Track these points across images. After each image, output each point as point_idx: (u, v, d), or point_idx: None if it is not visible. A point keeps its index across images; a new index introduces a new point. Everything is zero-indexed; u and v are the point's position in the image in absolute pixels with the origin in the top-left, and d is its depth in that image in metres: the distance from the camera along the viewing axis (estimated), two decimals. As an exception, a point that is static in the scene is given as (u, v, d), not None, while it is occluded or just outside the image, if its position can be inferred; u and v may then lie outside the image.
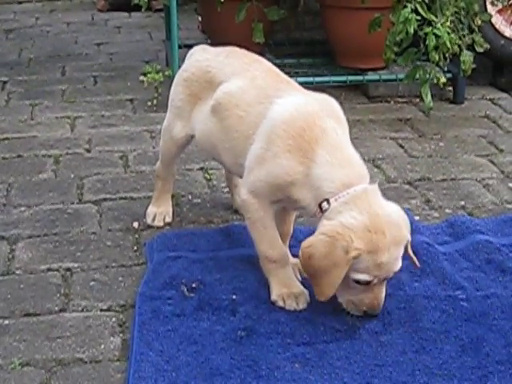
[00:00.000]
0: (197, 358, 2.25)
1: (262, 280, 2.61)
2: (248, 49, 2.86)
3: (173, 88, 2.91)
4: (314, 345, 2.31)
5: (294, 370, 2.20)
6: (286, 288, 2.52)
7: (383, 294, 2.41)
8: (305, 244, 2.35)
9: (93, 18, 6.78)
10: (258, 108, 2.53)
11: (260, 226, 2.52)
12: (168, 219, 3.06)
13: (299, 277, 2.63)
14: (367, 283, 2.34)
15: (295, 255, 2.70)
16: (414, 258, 2.47)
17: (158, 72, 4.43)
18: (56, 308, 2.55)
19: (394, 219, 2.34)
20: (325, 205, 2.36)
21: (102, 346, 2.36)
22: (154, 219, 3.06)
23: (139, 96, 4.56)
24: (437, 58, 3.88)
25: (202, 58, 2.84)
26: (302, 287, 2.54)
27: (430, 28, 3.85)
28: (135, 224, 3.08)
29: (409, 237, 2.39)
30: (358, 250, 2.26)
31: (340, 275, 2.29)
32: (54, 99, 4.55)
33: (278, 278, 2.54)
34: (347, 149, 2.42)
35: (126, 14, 6.86)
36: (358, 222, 2.28)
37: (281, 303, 2.49)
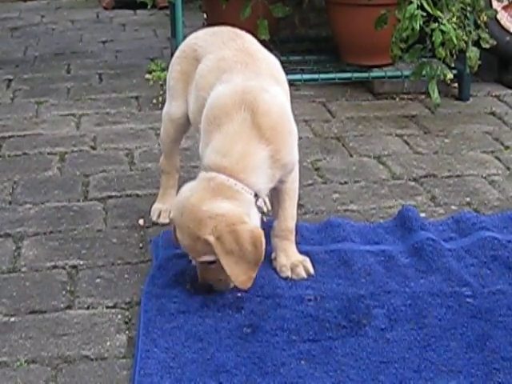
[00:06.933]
0: (202, 354, 2.25)
1: (267, 277, 2.61)
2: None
3: (169, 69, 2.97)
4: (320, 341, 2.31)
5: (299, 367, 2.20)
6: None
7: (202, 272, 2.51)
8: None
9: (98, 16, 6.79)
10: (212, 91, 2.61)
11: None
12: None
13: (304, 275, 2.63)
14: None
15: (302, 252, 2.70)
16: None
17: (163, 70, 4.44)
18: (62, 305, 2.55)
19: (199, 214, 2.40)
20: None
21: (108, 343, 2.36)
22: (159, 216, 3.06)
23: (144, 93, 4.56)
24: (443, 54, 3.87)
25: (193, 36, 2.92)
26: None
27: (436, 24, 3.84)
28: (141, 221, 3.08)
29: (205, 235, 2.39)
30: None
31: None
32: (59, 97, 4.56)
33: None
34: (239, 141, 2.46)
35: (131, 11, 6.87)
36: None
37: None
